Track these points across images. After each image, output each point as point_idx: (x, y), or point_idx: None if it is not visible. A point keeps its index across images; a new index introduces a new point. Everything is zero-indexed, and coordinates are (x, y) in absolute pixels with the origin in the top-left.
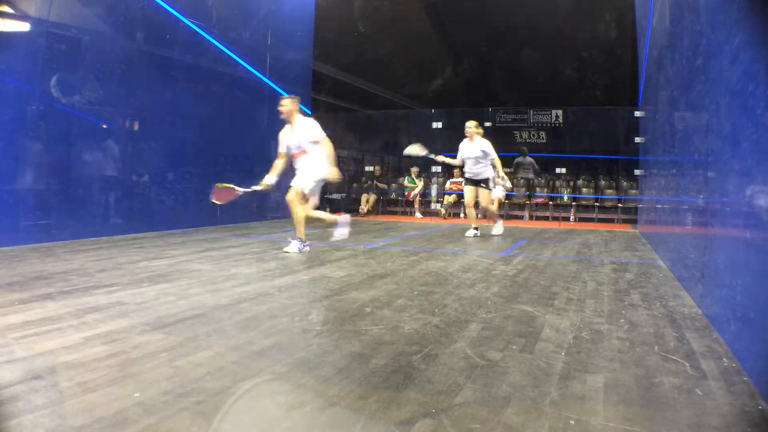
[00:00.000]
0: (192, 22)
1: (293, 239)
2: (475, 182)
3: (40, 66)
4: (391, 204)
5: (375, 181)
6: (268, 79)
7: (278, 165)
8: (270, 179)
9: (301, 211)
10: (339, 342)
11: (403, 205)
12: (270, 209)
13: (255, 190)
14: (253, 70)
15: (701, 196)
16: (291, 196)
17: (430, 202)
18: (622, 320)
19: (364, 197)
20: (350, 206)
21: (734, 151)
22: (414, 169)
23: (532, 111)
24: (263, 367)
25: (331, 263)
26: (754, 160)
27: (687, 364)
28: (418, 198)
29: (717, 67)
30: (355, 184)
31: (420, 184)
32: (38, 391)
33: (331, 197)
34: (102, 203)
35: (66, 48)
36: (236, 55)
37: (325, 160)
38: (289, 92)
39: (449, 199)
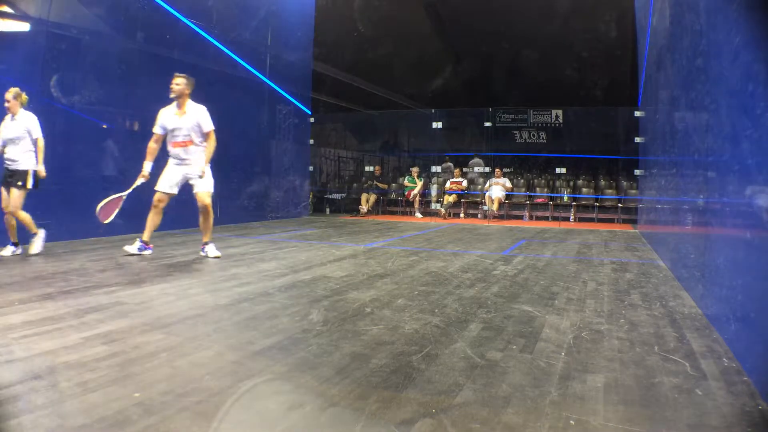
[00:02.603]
0: (192, 22)
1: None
2: (11, 174)
3: (40, 66)
4: (391, 204)
5: (375, 181)
6: (268, 80)
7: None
8: None
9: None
10: (339, 342)
11: (403, 205)
12: (270, 209)
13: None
14: (254, 71)
15: (701, 196)
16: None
17: (430, 202)
18: (622, 320)
19: (364, 197)
20: (350, 206)
21: (734, 151)
22: (414, 169)
23: (532, 111)
24: (263, 367)
25: (331, 263)
26: (754, 160)
27: (687, 364)
28: (418, 198)
29: (717, 67)
30: (355, 184)
31: (420, 184)
32: (38, 391)
33: (331, 197)
34: None
35: (66, 48)
36: (236, 55)
37: None
38: (289, 92)
39: (449, 199)
